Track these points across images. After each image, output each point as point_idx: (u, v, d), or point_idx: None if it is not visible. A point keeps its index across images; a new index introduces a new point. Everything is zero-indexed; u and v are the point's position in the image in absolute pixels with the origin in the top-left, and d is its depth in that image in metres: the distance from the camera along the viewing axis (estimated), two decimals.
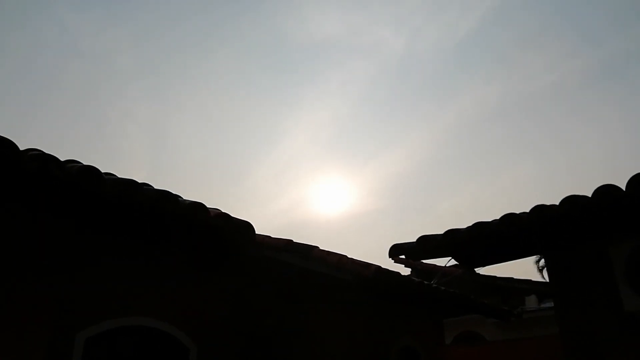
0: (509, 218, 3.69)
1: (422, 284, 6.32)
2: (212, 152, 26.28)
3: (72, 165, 3.12)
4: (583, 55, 21.52)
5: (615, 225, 3.69)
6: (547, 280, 6.04)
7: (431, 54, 22.64)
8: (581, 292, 4.02)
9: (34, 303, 3.64)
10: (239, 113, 24.63)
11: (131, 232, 4.12)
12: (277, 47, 22.29)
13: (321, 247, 5.05)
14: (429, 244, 4.19)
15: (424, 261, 6.89)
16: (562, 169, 25.79)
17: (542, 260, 16.38)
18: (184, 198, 3.83)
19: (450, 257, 4.56)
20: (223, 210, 4.06)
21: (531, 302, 11.68)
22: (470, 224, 3.92)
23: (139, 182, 3.48)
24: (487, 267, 4.93)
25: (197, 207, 3.75)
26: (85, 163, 3.23)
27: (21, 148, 2.88)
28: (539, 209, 3.54)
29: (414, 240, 4.32)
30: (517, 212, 3.69)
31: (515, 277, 12.12)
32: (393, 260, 5.14)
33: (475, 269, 6.02)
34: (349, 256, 5.06)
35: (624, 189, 3.20)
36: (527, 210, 3.62)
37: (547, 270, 4.64)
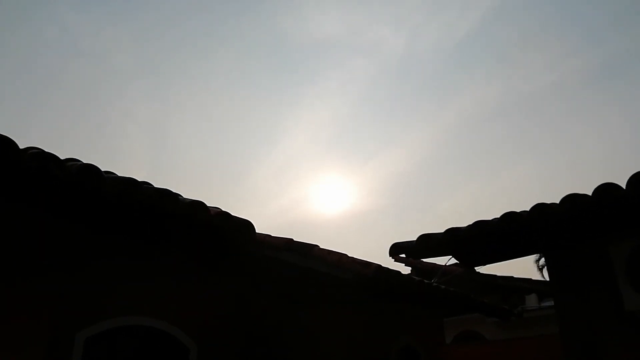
0: (509, 216, 3.68)
1: (422, 283, 6.31)
2: (212, 152, 26.28)
3: (72, 164, 3.12)
4: (583, 55, 21.48)
5: (616, 224, 3.68)
6: (547, 279, 6.03)
7: (431, 53, 22.61)
8: (581, 291, 4.02)
9: (34, 302, 3.64)
10: (239, 113, 24.63)
11: (131, 231, 4.11)
12: (277, 47, 22.26)
13: (321, 246, 5.04)
14: (429, 243, 4.19)
15: (424, 260, 6.90)
16: (562, 168, 25.74)
17: (542, 259, 16.35)
18: (184, 197, 3.82)
19: (450, 256, 4.56)
20: (223, 209, 4.06)
21: (531, 301, 11.65)
22: (471, 223, 3.91)
23: (139, 180, 3.48)
24: (487, 266, 4.93)
25: (197, 206, 3.75)
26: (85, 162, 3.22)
27: (21, 147, 2.88)
28: (539, 208, 3.54)
29: (414, 239, 4.32)
30: (518, 211, 3.69)
31: (515, 276, 12.08)
32: (393, 259, 5.15)
33: (476, 268, 6.00)
34: (349, 255, 5.05)
35: (624, 188, 3.20)
36: (528, 209, 3.61)
37: (548, 269, 4.64)
